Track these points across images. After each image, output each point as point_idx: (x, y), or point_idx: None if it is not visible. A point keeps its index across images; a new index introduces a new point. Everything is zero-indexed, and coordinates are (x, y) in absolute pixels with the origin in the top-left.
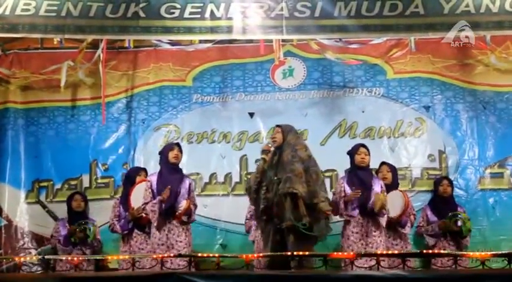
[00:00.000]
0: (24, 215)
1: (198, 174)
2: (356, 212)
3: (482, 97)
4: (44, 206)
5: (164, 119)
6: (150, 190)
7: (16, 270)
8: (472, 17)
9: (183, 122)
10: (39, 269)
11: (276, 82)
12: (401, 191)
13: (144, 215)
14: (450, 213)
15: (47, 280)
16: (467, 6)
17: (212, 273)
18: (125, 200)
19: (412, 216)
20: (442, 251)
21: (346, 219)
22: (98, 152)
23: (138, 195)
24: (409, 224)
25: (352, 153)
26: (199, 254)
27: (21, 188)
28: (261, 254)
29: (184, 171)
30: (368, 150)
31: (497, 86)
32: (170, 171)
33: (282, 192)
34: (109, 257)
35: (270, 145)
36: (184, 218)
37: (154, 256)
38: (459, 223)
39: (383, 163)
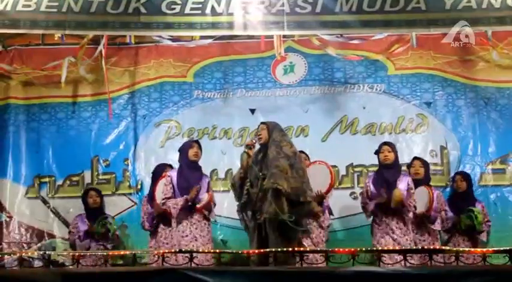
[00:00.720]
0: (25, 210)
1: None
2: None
3: (483, 93)
4: (45, 202)
5: (165, 115)
6: (170, 185)
7: (17, 265)
8: (473, 13)
9: (184, 118)
10: (40, 264)
11: (277, 78)
12: (427, 186)
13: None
14: (466, 209)
15: (48, 275)
16: (468, 1)
17: (213, 269)
18: (151, 197)
19: (443, 212)
20: (444, 247)
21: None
22: (99, 148)
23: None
24: (439, 220)
25: (377, 152)
26: (200, 250)
27: (23, 184)
28: (261, 250)
29: None
30: (392, 147)
31: (499, 82)
32: (190, 169)
33: (266, 187)
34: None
35: (254, 141)
36: (206, 213)
37: (156, 252)
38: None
39: (415, 158)
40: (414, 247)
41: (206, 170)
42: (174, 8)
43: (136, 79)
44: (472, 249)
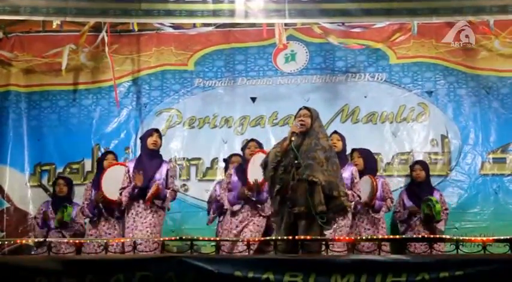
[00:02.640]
0: (26, 198)
1: (199, 159)
2: None
3: (485, 82)
4: (46, 190)
5: (166, 103)
6: (127, 175)
7: (18, 253)
8: (476, 1)
9: (185, 107)
10: (41, 251)
11: (278, 66)
12: (371, 176)
13: (112, 199)
14: (424, 198)
15: (49, 262)
16: None
17: (213, 257)
18: (96, 185)
19: (389, 200)
20: (444, 236)
21: None
22: (101, 136)
23: (110, 179)
24: (384, 209)
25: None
26: (200, 238)
27: (23, 171)
28: (261, 238)
29: (186, 156)
30: (341, 136)
31: (501, 71)
32: (148, 157)
33: (302, 178)
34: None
35: (298, 127)
36: (158, 203)
37: (156, 239)
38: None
39: (353, 150)
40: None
41: (207, 159)
42: None
43: (137, 67)
44: (473, 238)
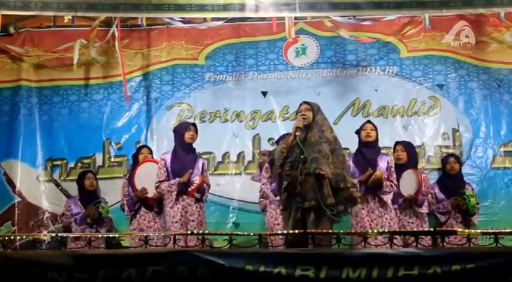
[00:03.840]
0: (37, 193)
1: (211, 153)
2: (362, 189)
3: (496, 75)
4: (57, 185)
5: (177, 97)
6: (164, 168)
7: (30, 247)
8: None
9: (195, 101)
10: (52, 246)
11: (288, 60)
12: (415, 170)
13: (148, 195)
14: (460, 191)
15: (61, 257)
16: None
17: (225, 251)
18: (131, 180)
19: (429, 195)
20: (457, 229)
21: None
22: (112, 131)
23: (142, 176)
24: (426, 203)
25: (359, 130)
26: (212, 232)
27: (35, 166)
28: (273, 232)
29: (198, 150)
30: (374, 125)
31: None
32: (185, 151)
33: (308, 172)
34: (121, 235)
35: (302, 121)
36: (198, 195)
37: (167, 233)
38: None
39: (397, 143)
40: (398, 229)
41: (218, 153)
42: None
43: (148, 62)
44: (485, 231)
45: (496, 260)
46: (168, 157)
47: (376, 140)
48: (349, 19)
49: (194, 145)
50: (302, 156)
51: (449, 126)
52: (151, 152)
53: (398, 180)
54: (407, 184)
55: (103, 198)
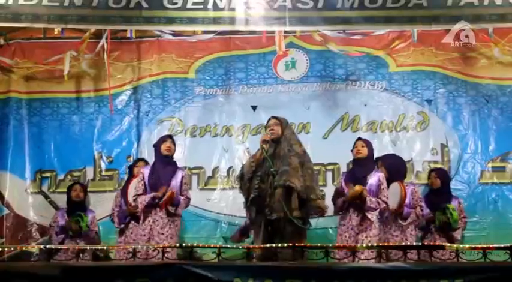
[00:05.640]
0: (26, 205)
1: (201, 168)
2: (345, 205)
3: (485, 90)
4: (46, 197)
5: (167, 111)
6: (142, 182)
7: (18, 259)
8: (475, 9)
9: (186, 115)
10: (41, 258)
11: (278, 74)
12: (400, 182)
13: (139, 211)
14: (442, 206)
15: (49, 269)
16: None
17: (213, 264)
18: (124, 192)
19: (418, 208)
20: (446, 244)
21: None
22: (102, 145)
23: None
24: (413, 216)
25: (352, 149)
26: (201, 245)
27: (24, 178)
28: (261, 245)
29: (188, 165)
30: (366, 142)
31: (500, 79)
32: (163, 164)
33: (278, 185)
34: (109, 247)
35: (269, 135)
36: (171, 209)
37: (156, 246)
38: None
39: (377, 159)
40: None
41: (208, 168)
42: (176, 3)
43: (138, 74)
44: (473, 246)
45: (485, 274)
46: (147, 171)
47: (368, 156)
48: (338, 33)
49: (184, 159)
50: (272, 169)
51: (438, 141)
52: (147, 165)
53: None
54: (392, 197)
55: (91, 211)
